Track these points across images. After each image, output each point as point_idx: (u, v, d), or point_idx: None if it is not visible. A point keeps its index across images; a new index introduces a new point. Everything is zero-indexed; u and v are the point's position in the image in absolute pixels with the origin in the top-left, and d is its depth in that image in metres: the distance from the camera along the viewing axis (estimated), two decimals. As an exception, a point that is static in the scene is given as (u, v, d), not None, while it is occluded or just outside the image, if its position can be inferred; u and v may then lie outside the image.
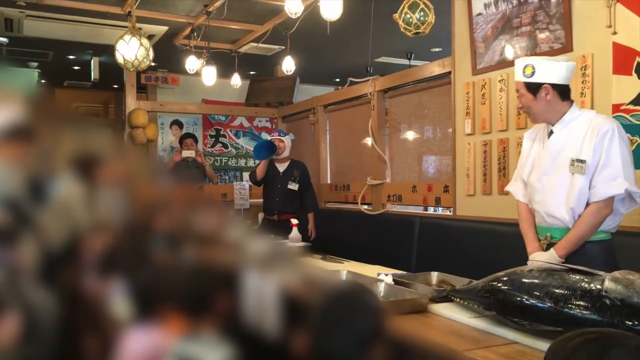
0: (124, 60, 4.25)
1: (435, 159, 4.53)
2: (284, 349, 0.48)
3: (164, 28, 5.64)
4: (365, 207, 4.96)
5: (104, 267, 0.36)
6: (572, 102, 2.28)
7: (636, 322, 1.52)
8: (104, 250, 0.36)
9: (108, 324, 0.36)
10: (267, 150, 4.71)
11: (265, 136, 5.03)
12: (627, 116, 2.73)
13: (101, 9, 4.97)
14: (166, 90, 7.24)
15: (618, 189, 2.10)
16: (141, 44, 4.23)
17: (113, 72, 6.51)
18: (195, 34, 5.44)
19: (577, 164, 2.16)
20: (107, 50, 5.73)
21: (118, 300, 0.36)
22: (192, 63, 5.42)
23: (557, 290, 1.68)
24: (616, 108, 2.78)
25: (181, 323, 0.42)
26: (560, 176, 2.22)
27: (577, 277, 1.69)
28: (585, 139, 2.16)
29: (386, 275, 2.68)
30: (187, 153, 5.94)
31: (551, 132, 2.29)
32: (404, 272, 2.97)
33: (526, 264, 2.13)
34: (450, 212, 4.05)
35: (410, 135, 4.80)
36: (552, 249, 2.23)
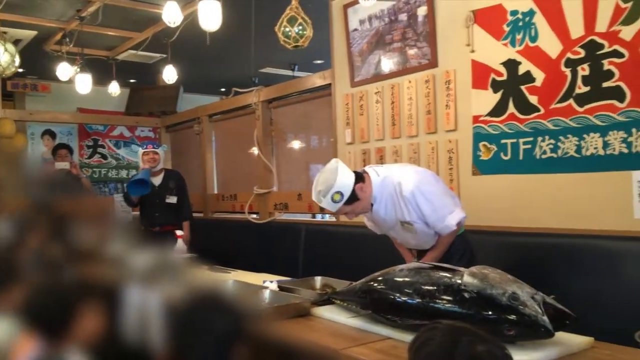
0: (-14, 66, 3.93)
1: (320, 167, 4.67)
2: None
3: (33, 33, 5.28)
4: (253, 216, 4.98)
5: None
6: (365, 174, 2.41)
7: (490, 312, 1.71)
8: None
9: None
10: (142, 186, 4.56)
11: (145, 173, 4.66)
12: (485, 126, 3.03)
13: (-42, 10, 4.56)
14: (36, 99, 6.76)
15: (451, 225, 2.39)
16: (6, 50, 3.94)
17: (-27, 78, 5.96)
18: (67, 39, 5.15)
19: (407, 225, 2.42)
20: (-34, 54, 5.24)
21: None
22: (64, 70, 5.12)
23: (424, 287, 1.83)
24: (476, 119, 3.07)
25: (43, 342, 0.43)
26: (400, 230, 2.48)
27: (441, 273, 1.85)
28: (400, 204, 2.37)
29: (271, 282, 2.73)
30: (61, 165, 5.59)
31: (376, 213, 2.46)
32: (290, 279, 3.04)
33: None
34: (334, 218, 4.20)
35: (295, 144, 4.92)
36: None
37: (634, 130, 2.45)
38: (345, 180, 2.29)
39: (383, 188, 2.40)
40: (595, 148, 2.58)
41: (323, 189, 2.29)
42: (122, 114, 6.77)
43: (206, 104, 6.01)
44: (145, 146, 4.81)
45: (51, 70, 5.49)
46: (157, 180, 4.77)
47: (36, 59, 5.74)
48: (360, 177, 2.37)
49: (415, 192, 2.33)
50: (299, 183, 4.80)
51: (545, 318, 1.65)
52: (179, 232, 3.82)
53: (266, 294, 2.53)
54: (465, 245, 2.56)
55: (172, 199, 4.73)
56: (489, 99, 3.00)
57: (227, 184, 5.68)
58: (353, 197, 2.32)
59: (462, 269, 1.85)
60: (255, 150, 5.01)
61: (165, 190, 4.75)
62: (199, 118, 5.79)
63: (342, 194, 2.28)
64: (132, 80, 7.08)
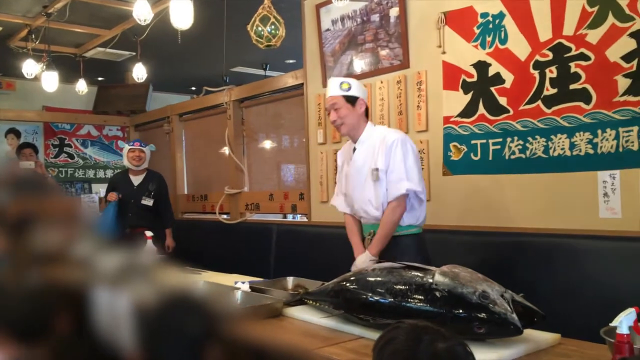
0: (-54, 61, 3.80)
1: (291, 167, 4.66)
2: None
3: (-3, 28, 5.13)
4: (224, 216, 4.94)
5: None
6: (368, 120, 2.62)
7: (461, 311, 1.72)
8: None
9: None
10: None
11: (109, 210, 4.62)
12: (456, 127, 3.06)
13: None
14: (0, 96, 6.56)
15: (401, 189, 2.45)
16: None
17: None
18: (33, 36, 5.02)
19: (374, 172, 2.52)
20: None
21: None
22: (30, 67, 4.99)
23: (396, 286, 1.84)
24: (446, 120, 3.11)
25: (13, 347, 0.41)
26: (368, 185, 2.54)
27: (413, 273, 1.86)
28: (379, 150, 2.51)
29: (243, 283, 2.71)
30: (26, 164, 5.44)
31: (354, 150, 2.61)
32: (262, 279, 3.02)
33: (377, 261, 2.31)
34: (306, 218, 4.20)
35: (267, 144, 4.89)
36: (366, 250, 2.52)
37: (599, 131, 2.51)
38: (359, 85, 2.59)
39: (371, 135, 2.57)
40: (562, 149, 2.64)
41: (338, 76, 2.55)
42: (89, 112, 6.63)
43: (176, 103, 5.93)
44: (132, 143, 4.72)
45: (16, 67, 5.35)
46: (137, 180, 4.68)
47: (0, 56, 5.58)
48: (366, 109, 2.61)
49: (397, 142, 2.48)
50: (270, 183, 4.78)
51: (514, 316, 1.67)
52: (148, 233, 3.76)
53: (238, 294, 2.51)
54: (419, 247, 2.56)
55: (149, 201, 4.64)
56: (460, 100, 3.04)
57: (198, 184, 5.62)
58: (353, 100, 2.54)
59: (433, 268, 1.87)
60: (226, 150, 4.97)
61: (143, 191, 4.66)
62: (168, 117, 5.71)
63: (350, 87, 2.53)
64: (100, 78, 6.95)
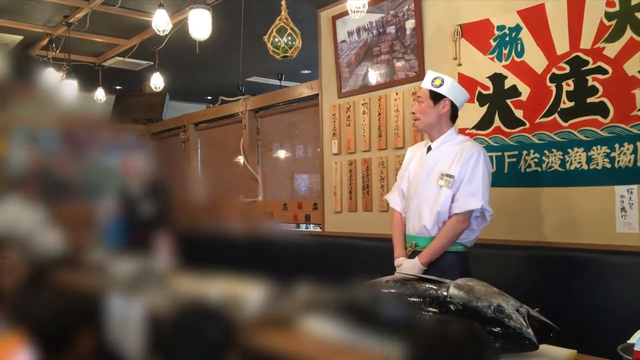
0: (-30, 70, 3.88)
1: (305, 177, 4.67)
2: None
3: (19, 37, 5.23)
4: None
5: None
6: (453, 125, 2.53)
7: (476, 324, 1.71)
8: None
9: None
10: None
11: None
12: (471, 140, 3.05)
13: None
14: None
15: (476, 204, 2.35)
16: (-10, 53, 3.89)
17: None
18: (54, 45, 5.12)
19: (446, 177, 2.41)
20: (-51, 57, 5.18)
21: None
22: (50, 75, 5.07)
23: (410, 299, 1.83)
24: (462, 132, 3.09)
25: (36, 353, 0.42)
26: (431, 188, 2.45)
27: (427, 285, 1.85)
28: (456, 157, 2.41)
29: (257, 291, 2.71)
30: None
31: (429, 149, 2.52)
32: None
33: (391, 273, 2.29)
34: (319, 228, 4.20)
35: (281, 154, 4.91)
36: (416, 257, 2.42)
37: (616, 145, 2.49)
38: (455, 86, 2.50)
39: (451, 140, 2.48)
40: (579, 163, 2.62)
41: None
42: (107, 120, 6.72)
43: (192, 112, 5.98)
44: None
45: (37, 75, 5.44)
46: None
47: (21, 64, 5.68)
48: (454, 112, 2.50)
49: (477, 154, 2.38)
50: (284, 193, 4.80)
51: (529, 330, 1.65)
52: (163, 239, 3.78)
53: (252, 302, 2.51)
54: (464, 265, 2.46)
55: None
56: (476, 112, 3.03)
57: (212, 193, 5.64)
58: (438, 97, 2.44)
59: (447, 280, 1.85)
60: (241, 159, 5.00)
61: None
62: (185, 126, 5.77)
63: (441, 84, 2.45)
64: (118, 87, 7.04)
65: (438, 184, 2.43)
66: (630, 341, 1.48)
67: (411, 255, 2.49)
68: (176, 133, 5.94)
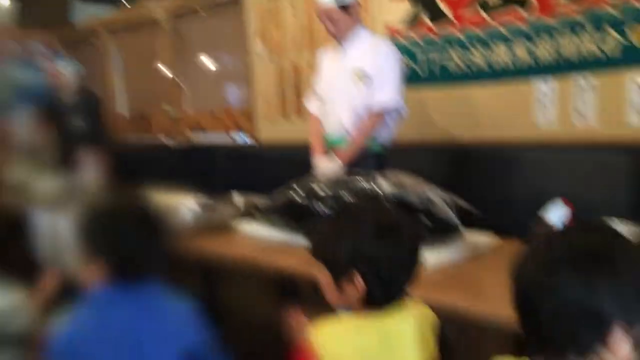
0: None
1: (234, 85, 4.52)
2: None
3: None
4: (166, 138, 4.81)
5: None
6: (360, 21, 2.51)
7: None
8: None
9: None
10: None
11: None
12: (400, 38, 3.03)
13: None
14: None
15: (392, 100, 2.40)
16: None
17: None
18: None
19: (359, 73, 2.42)
20: None
21: None
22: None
23: (341, 192, 1.88)
24: (389, 29, 3.06)
25: None
26: (348, 88, 2.46)
27: (359, 182, 1.91)
28: (370, 55, 2.42)
29: (191, 200, 2.69)
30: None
31: (343, 50, 2.49)
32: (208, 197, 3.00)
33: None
34: (251, 138, 4.14)
35: (206, 61, 4.70)
36: (336, 157, 2.45)
37: (538, 40, 2.54)
38: None
39: (359, 36, 2.47)
40: (502, 59, 2.67)
41: None
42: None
43: (105, 17, 5.54)
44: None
45: None
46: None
47: None
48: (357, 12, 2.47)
49: (389, 51, 2.42)
50: (213, 102, 4.64)
51: (454, 217, 1.76)
52: (92, 156, 3.60)
53: (186, 211, 2.50)
54: (380, 163, 2.47)
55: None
56: (403, 8, 2.99)
57: (135, 104, 5.38)
58: (347, 7, 2.40)
59: (376, 174, 1.91)
60: (163, 68, 4.75)
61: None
62: (97, 31, 5.35)
63: None
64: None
65: (352, 81, 2.44)
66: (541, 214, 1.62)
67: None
68: (90, 41, 5.51)
